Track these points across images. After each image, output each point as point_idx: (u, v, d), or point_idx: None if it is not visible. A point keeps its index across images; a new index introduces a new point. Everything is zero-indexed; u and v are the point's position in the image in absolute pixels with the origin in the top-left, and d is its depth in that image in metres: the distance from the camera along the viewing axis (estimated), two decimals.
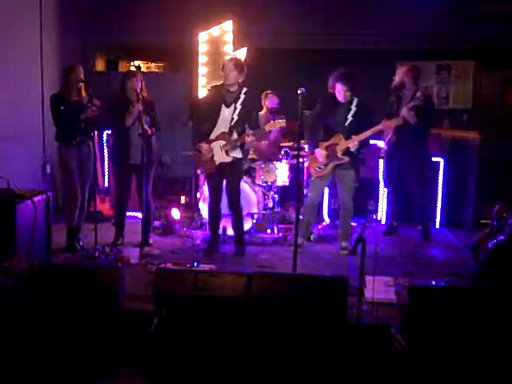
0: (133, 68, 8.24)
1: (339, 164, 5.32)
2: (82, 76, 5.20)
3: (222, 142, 5.12)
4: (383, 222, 6.59)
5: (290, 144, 6.30)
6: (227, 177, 5.24)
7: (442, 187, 6.46)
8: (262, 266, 4.94)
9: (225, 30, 6.74)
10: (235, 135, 5.13)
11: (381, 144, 6.08)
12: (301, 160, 5.38)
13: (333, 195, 6.25)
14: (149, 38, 7.52)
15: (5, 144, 5.48)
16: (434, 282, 4.15)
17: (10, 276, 3.57)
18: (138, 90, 5.18)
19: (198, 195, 6.44)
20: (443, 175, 6.46)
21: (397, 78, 5.80)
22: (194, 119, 5.68)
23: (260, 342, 3.08)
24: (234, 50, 6.67)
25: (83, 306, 3.39)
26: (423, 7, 6.81)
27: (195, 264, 4.58)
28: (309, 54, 7.59)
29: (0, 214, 4.12)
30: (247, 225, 5.80)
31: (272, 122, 5.15)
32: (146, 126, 5.14)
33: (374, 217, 6.71)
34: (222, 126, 5.14)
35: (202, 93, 6.64)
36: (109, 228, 5.70)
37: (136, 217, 6.07)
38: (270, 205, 6.12)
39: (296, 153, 4.88)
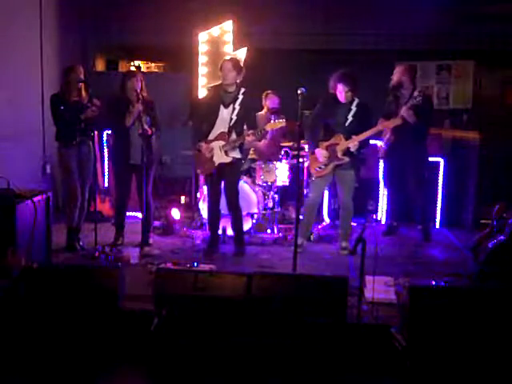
0: (133, 68, 8.25)
1: (339, 164, 5.33)
2: (81, 76, 5.20)
3: (222, 143, 5.12)
4: (383, 222, 6.59)
5: (290, 144, 6.30)
6: (226, 177, 5.24)
7: (442, 187, 6.46)
8: (262, 265, 4.94)
9: (225, 29, 6.74)
10: (234, 135, 5.13)
11: (380, 144, 6.08)
12: (301, 160, 5.38)
13: (333, 195, 6.25)
14: (149, 38, 7.53)
15: (5, 144, 5.48)
16: (434, 282, 4.15)
17: (8, 275, 3.58)
18: (138, 90, 5.18)
19: (198, 195, 6.44)
20: (443, 175, 6.45)
21: (394, 78, 5.80)
22: (194, 119, 5.67)
23: (260, 342, 3.07)
24: (233, 50, 6.67)
25: (83, 306, 3.39)
26: (423, 7, 6.81)
27: (195, 264, 4.58)
28: (309, 54, 7.59)
29: (0, 214, 4.12)
30: (247, 225, 5.80)
31: (272, 122, 5.15)
32: (146, 126, 5.14)
33: (374, 217, 6.71)
34: (220, 126, 5.14)
35: (202, 93, 6.64)
36: (109, 228, 5.70)
37: (136, 217, 6.07)
38: (270, 205, 6.12)
39: (296, 153, 4.88)
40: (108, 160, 6.73)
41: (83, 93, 5.23)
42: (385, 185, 6.38)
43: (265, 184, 6.08)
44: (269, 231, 6.01)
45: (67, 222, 5.38)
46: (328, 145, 5.34)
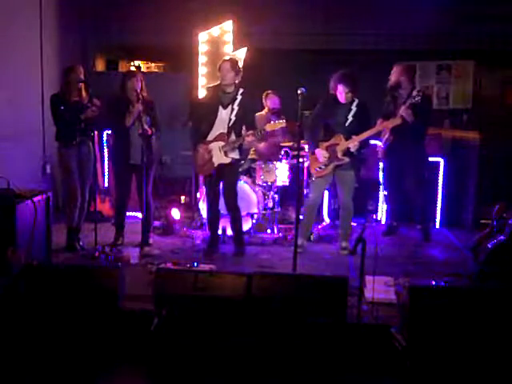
0: (133, 68, 8.24)
1: (339, 164, 5.32)
2: (82, 76, 5.20)
3: (221, 143, 5.11)
4: (383, 222, 6.59)
5: (290, 144, 6.30)
6: (225, 178, 5.23)
7: (442, 187, 6.46)
8: (261, 265, 4.95)
9: (225, 29, 6.74)
10: (233, 136, 5.12)
11: (379, 144, 6.08)
12: (301, 160, 5.38)
13: (333, 195, 6.25)
14: (149, 38, 7.52)
15: (5, 144, 5.48)
16: (434, 282, 4.15)
17: (8, 272, 3.58)
18: (138, 90, 5.18)
19: (198, 195, 6.44)
20: (443, 175, 6.45)
21: (392, 78, 5.79)
22: (193, 119, 5.67)
23: (260, 342, 3.07)
24: (233, 50, 6.67)
25: (83, 306, 3.39)
26: (423, 7, 6.81)
27: (195, 264, 4.58)
28: (309, 54, 7.59)
29: (0, 214, 4.13)
30: (247, 225, 5.80)
31: (272, 122, 5.14)
32: (146, 126, 5.14)
33: (374, 217, 6.71)
34: (219, 127, 5.13)
35: (202, 93, 6.64)
36: (109, 228, 5.71)
37: (136, 217, 6.07)
38: (270, 205, 6.11)
39: (296, 153, 4.88)
40: (108, 160, 6.73)
41: (83, 93, 5.23)
42: (384, 185, 6.38)
43: (265, 184, 6.07)
44: (269, 231, 6.02)
45: (67, 222, 5.38)
46: (328, 145, 5.34)
